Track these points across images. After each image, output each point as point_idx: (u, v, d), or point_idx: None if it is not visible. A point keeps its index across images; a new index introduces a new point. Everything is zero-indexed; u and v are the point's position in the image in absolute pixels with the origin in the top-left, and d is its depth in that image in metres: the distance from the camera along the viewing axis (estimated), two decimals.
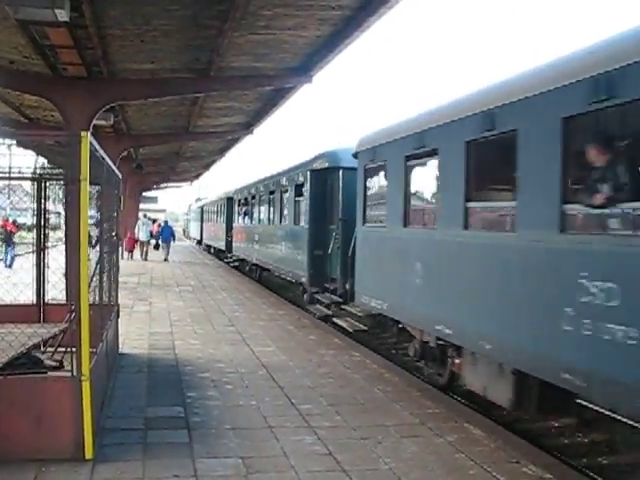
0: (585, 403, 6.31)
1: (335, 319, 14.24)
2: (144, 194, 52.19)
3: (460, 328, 7.92)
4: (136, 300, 16.78)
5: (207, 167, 43.56)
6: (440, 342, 8.75)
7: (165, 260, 33.15)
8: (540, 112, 6.40)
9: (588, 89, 5.67)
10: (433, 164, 8.92)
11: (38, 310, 9.68)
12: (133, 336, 11.66)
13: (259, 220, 24.09)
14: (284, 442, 6.30)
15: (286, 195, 19.20)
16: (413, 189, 9.81)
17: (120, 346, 10.34)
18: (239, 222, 28.85)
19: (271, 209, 21.71)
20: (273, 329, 13.27)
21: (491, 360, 7.45)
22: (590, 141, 6.09)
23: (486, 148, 7.66)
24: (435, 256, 8.67)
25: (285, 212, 19.43)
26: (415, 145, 9.16)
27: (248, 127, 23.61)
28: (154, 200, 60.76)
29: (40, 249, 9.74)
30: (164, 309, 15.65)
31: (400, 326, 10.47)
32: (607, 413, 6.11)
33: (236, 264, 30.70)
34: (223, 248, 34.22)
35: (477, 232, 7.76)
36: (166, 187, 60.02)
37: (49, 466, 5.34)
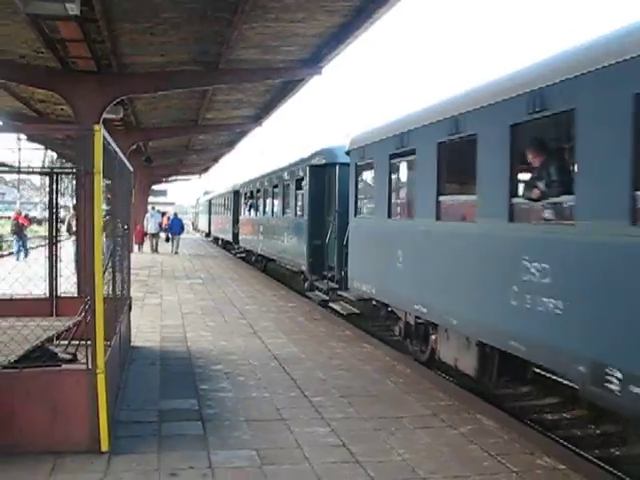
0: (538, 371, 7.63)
1: (331, 304, 15.18)
2: (153, 187, 52.30)
3: (433, 307, 8.96)
4: (147, 293, 16.85)
5: (216, 160, 43.62)
6: (419, 321, 9.81)
7: (175, 253, 33.25)
8: (493, 119, 7.34)
9: (527, 102, 6.63)
10: (412, 162, 9.89)
11: (51, 303, 9.74)
12: (145, 329, 11.72)
13: (263, 212, 25.08)
14: (297, 434, 6.32)
15: (288, 189, 20.14)
16: (396, 184, 10.89)
17: (132, 339, 10.38)
18: (245, 215, 29.83)
19: (274, 202, 22.71)
20: (284, 321, 13.30)
21: (459, 334, 8.46)
22: (529, 145, 7.28)
23: (453, 149, 8.61)
24: (413, 244, 9.70)
25: (287, 205, 20.43)
26: (397, 145, 10.17)
27: (257, 119, 23.63)
28: (163, 193, 60.98)
29: (52, 242, 9.79)
30: (175, 302, 15.71)
31: (389, 309, 11.28)
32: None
33: (243, 255, 31.61)
34: (230, 240, 35.12)
35: (446, 222, 8.76)
36: (175, 180, 60.07)
37: (65, 458, 5.38)
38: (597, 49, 5.91)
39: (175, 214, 38.50)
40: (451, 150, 8.63)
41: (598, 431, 8.31)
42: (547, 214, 6.82)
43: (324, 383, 8.39)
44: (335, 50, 13.73)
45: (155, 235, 33.75)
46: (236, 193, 33.51)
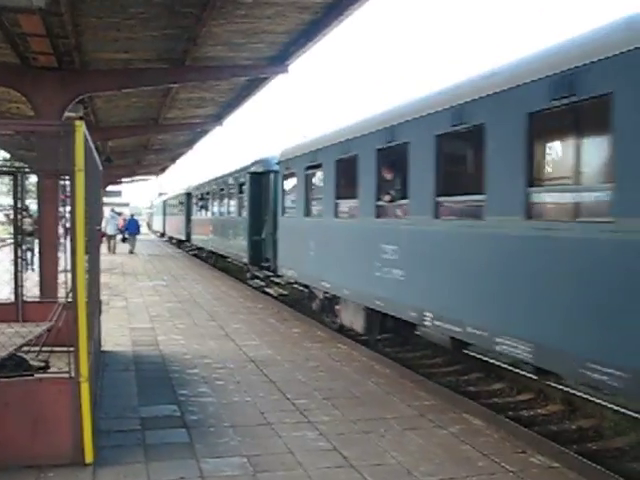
0: (422, 335, 9.67)
1: (266, 289, 18.89)
2: (108, 188, 51.29)
3: (334, 283, 11.91)
4: (111, 296, 16.45)
5: (174, 160, 42.91)
6: (327, 294, 12.70)
7: (131, 252, 34.29)
8: (422, 130, 8.61)
9: (452, 115, 7.81)
10: (320, 174, 12.68)
11: (16, 309, 9.35)
12: (114, 333, 11.39)
13: (212, 213, 28.14)
14: (286, 439, 6.17)
15: (232, 192, 23.26)
16: (310, 190, 13.51)
17: (102, 343, 10.06)
18: (196, 215, 33.02)
19: (221, 204, 25.89)
20: (255, 323, 13.11)
21: (351, 302, 11.33)
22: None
23: (346, 165, 11.14)
24: (320, 236, 12.63)
25: (231, 206, 23.55)
26: (311, 160, 13.10)
27: (219, 118, 23.25)
28: (118, 194, 59.77)
29: (17, 245, 9.42)
30: (141, 304, 15.38)
31: (307, 290, 14.33)
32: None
33: (195, 252, 34.92)
34: (183, 239, 38.31)
35: (340, 220, 11.72)
36: (132, 181, 59.02)
37: (48, 472, 5.13)
38: (500, 75, 7.08)
39: (132, 215, 40.35)
40: (345, 165, 11.20)
41: (574, 426, 8.36)
42: (395, 212, 9.76)
43: (305, 385, 8.25)
44: (303, 48, 13.52)
45: (113, 237, 34.17)
46: (188, 195, 36.38)
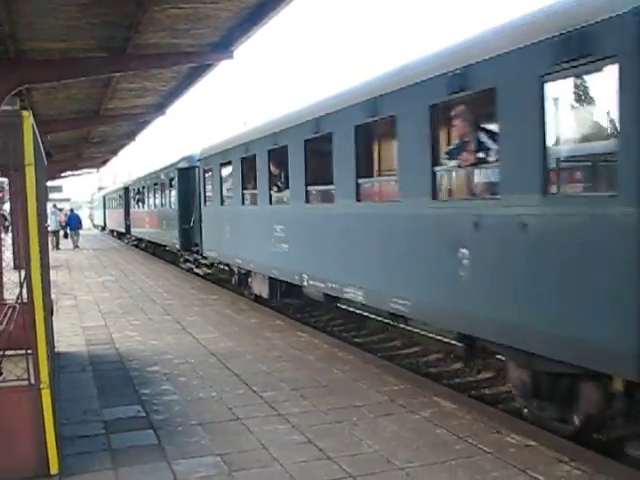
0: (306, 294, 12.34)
1: (195, 269, 21.58)
2: (49, 183, 49.89)
3: (244, 259, 14.42)
4: (59, 294, 15.91)
5: (115, 152, 41.81)
6: (241, 270, 15.22)
7: (76, 247, 34.51)
8: (344, 121, 9.41)
9: (365, 108, 8.74)
10: (230, 170, 15.27)
11: None
12: (66, 332, 11.02)
13: (148, 206, 29.92)
14: (258, 434, 6.00)
15: (164, 186, 25.38)
16: (224, 183, 16.02)
17: (55, 344, 9.68)
18: (134, 208, 34.80)
19: (155, 197, 27.84)
20: (210, 315, 12.88)
21: (258, 273, 13.81)
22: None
23: (249, 164, 13.70)
24: (233, 221, 15.17)
25: (164, 199, 25.67)
26: (223, 157, 15.64)
27: (161, 108, 22.68)
28: (59, 189, 58.19)
29: None
30: (91, 301, 14.94)
31: (227, 268, 16.92)
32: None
33: (135, 243, 36.50)
34: (123, 231, 40.14)
35: (246, 207, 14.19)
36: (72, 175, 57.43)
37: None
38: (408, 71, 7.97)
39: (72, 210, 40.26)
40: (249, 164, 13.68)
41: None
42: (285, 200, 11.98)
43: (270, 377, 8.08)
44: (248, 32, 13.21)
45: (56, 232, 33.65)
46: (126, 189, 38.35)
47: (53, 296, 14.99)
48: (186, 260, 22.83)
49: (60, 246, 34.14)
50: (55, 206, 36.91)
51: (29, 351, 4.98)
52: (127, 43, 12.93)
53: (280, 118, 12.45)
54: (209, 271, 20.80)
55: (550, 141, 5.71)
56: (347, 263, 9.53)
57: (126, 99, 20.28)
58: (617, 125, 5.02)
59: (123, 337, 10.69)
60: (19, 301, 6.05)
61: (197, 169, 19.58)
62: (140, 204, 32.64)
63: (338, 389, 7.49)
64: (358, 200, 9.12)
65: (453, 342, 10.65)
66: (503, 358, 7.51)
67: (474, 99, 6.93)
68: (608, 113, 5.25)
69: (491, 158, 6.84)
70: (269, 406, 6.85)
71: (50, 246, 31.51)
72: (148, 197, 29.99)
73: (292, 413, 6.60)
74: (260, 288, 13.79)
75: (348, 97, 9.47)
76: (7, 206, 15.75)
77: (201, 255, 19.82)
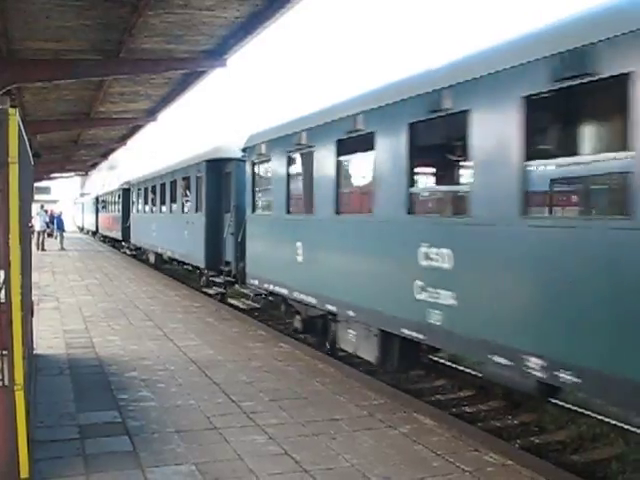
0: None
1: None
2: (36, 184, 49.66)
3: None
4: (41, 296, 15.74)
5: (105, 156, 41.70)
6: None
7: (62, 249, 34.33)
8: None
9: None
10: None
11: None
12: (46, 335, 10.89)
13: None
14: (235, 444, 5.93)
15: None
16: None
17: (34, 346, 9.57)
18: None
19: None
20: (193, 322, 12.78)
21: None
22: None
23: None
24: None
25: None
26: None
27: (153, 113, 22.72)
28: (46, 191, 58.06)
29: None
30: (74, 305, 14.79)
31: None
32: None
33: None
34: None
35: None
36: (60, 177, 57.21)
37: None
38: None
39: (60, 213, 41.17)
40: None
41: (516, 421, 8.41)
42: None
43: (250, 387, 8.02)
44: (242, 41, 13.27)
45: (42, 232, 33.79)
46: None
47: (35, 298, 14.88)
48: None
49: (45, 247, 33.89)
50: (42, 207, 36.65)
51: (4, 352, 4.89)
52: (121, 47, 12.93)
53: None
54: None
55: None
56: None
57: (117, 103, 20.27)
58: None
59: (103, 341, 10.58)
60: None
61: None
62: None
63: (317, 401, 7.44)
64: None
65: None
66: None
67: None
68: None
69: None
70: (247, 416, 6.79)
71: (35, 247, 31.40)
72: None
73: (270, 424, 6.53)
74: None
75: None
76: None
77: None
